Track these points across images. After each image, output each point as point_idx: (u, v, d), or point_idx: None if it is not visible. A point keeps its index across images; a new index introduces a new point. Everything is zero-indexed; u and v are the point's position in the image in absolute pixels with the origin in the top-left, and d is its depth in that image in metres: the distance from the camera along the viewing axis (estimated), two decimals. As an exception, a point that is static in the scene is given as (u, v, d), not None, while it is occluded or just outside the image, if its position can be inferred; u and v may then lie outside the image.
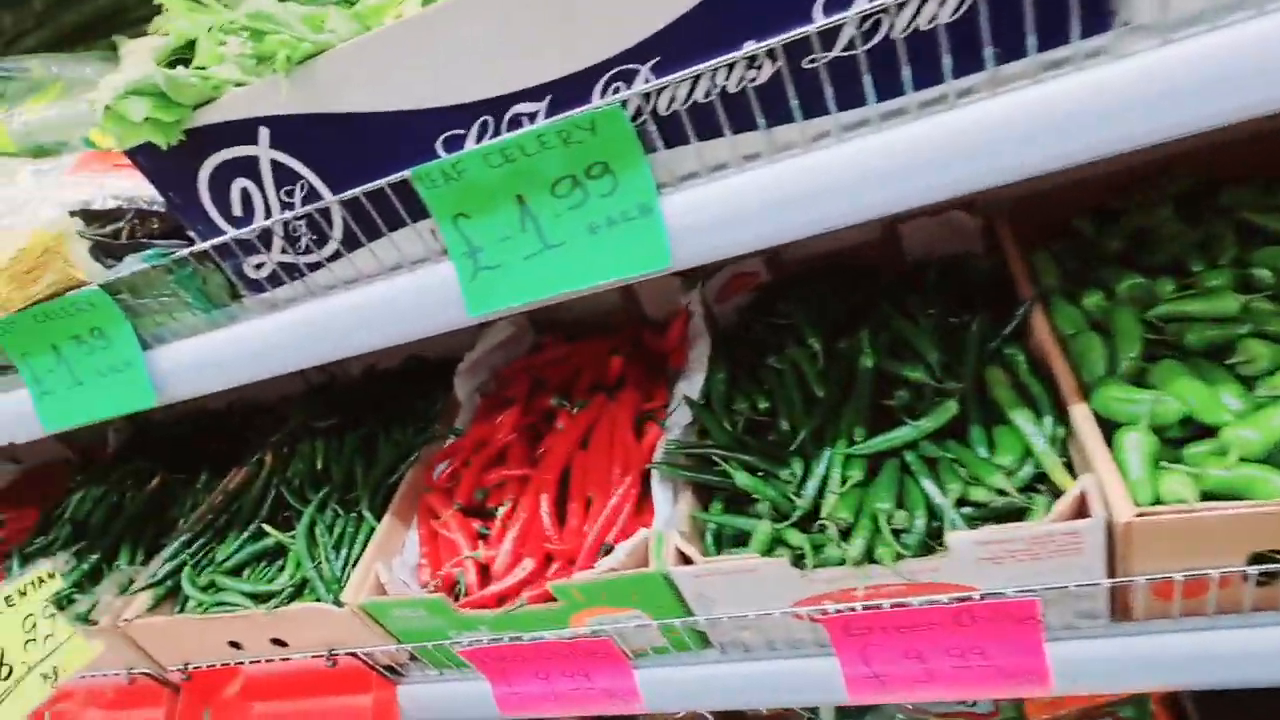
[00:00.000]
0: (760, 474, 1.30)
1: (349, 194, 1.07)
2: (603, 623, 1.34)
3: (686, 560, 1.24)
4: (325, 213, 1.11)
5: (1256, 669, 1.06)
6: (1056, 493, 1.12)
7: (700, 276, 1.79)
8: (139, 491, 1.99)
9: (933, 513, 1.15)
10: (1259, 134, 1.39)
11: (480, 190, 1.02)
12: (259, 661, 1.61)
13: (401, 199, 1.07)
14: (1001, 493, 1.11)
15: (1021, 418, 1.17)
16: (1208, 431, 1.07)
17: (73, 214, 1.19)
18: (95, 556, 1.78)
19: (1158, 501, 1.01)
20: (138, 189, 1.19)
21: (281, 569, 1.62)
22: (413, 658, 1.55)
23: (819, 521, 1.19)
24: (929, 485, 1.17)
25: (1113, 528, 1.01)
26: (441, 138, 1.03)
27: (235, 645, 1.61)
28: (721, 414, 1.46)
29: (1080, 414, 1.13)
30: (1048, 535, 1.04)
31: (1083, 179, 1.55)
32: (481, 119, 1.00)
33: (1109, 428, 1.11)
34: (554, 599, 1.35)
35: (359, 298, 1.17)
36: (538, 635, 1.38)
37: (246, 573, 1.64)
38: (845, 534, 1.16)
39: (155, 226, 1.19)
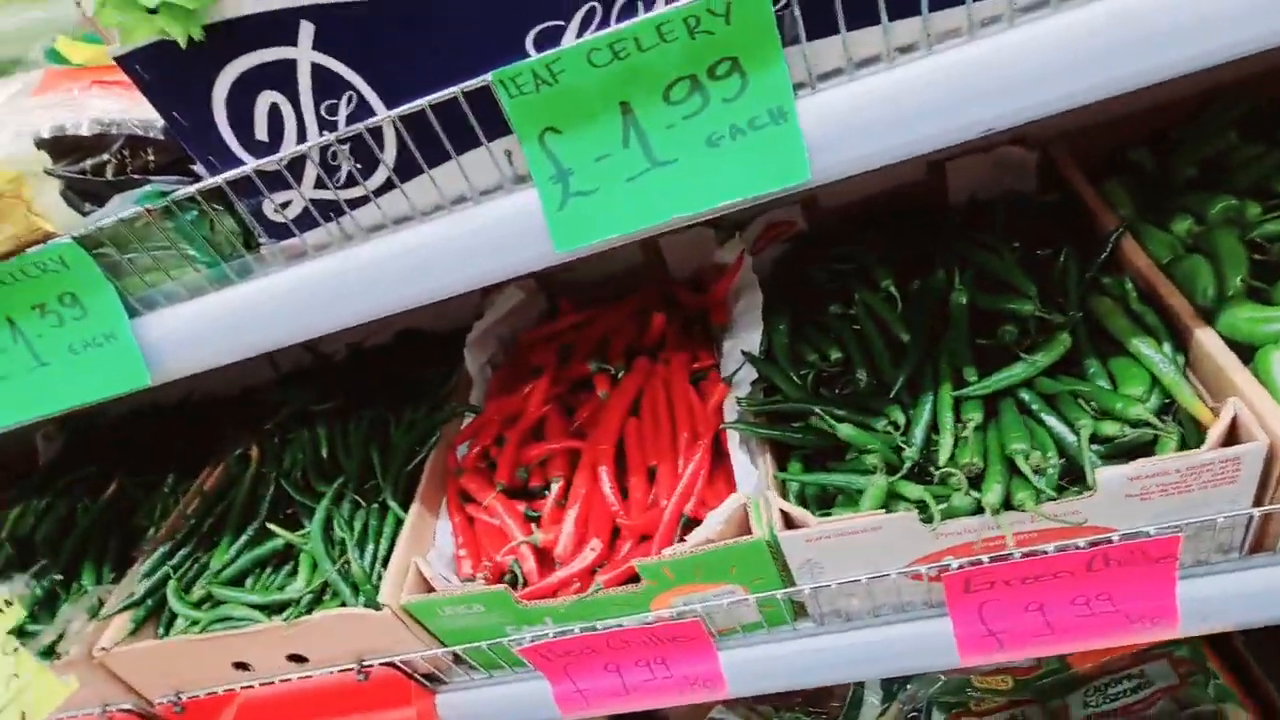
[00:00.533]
0: (857, 426, 1.18)
1: (412, 105, 0.89)
2: (689, 602, 1.21)
3: (791, 525, 1.11)
4: (377, 133, 0.93)
5: None
6: (1186, 423, 1.05)
7: (733, 227, 1.67)
8: (92, 501, 1.71)
9: (1062, 452, 1.07)
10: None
11: (577, 98, 0.86)
12: (270, 683, 1.39)
13: (476, 111, 0.89)
14: (1139, 424, 1.03)
15: (1145, 346, 1.10)
16: (1345, 347, 1.02)
17: (40, 144, 0.96)
18: (50, 579, 1.51)
19: (1316, 421, 0.95)
20: (128, 111, 0.97)
21: (292, 574, 1.41)
22: (457, 660, 1.37)
23: (940, 470, 1.09)
24: (1054, 422, 1.08)
25: (1275, 451, 0.95)
26: (534, 31, 0.86)
27: (242, 666, 1.39)
28: (788, 368, 1.34)
29: (1206, 338, 1.07)
30: (1205, 465, 0.97)
31: (1124, 114, 1.52)
32: (588, 5, 0.84)
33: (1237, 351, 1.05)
34: (633, 581, 1.21)
35: (412, 239, 0.98)
36: (614, 623, 1.23)
37: (249, 582, 1.41)
38: (972, 482, 1.07)
39: (150, 159, 0.97)
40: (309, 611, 1.32)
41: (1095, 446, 1.07)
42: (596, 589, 1.20)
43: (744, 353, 1.39)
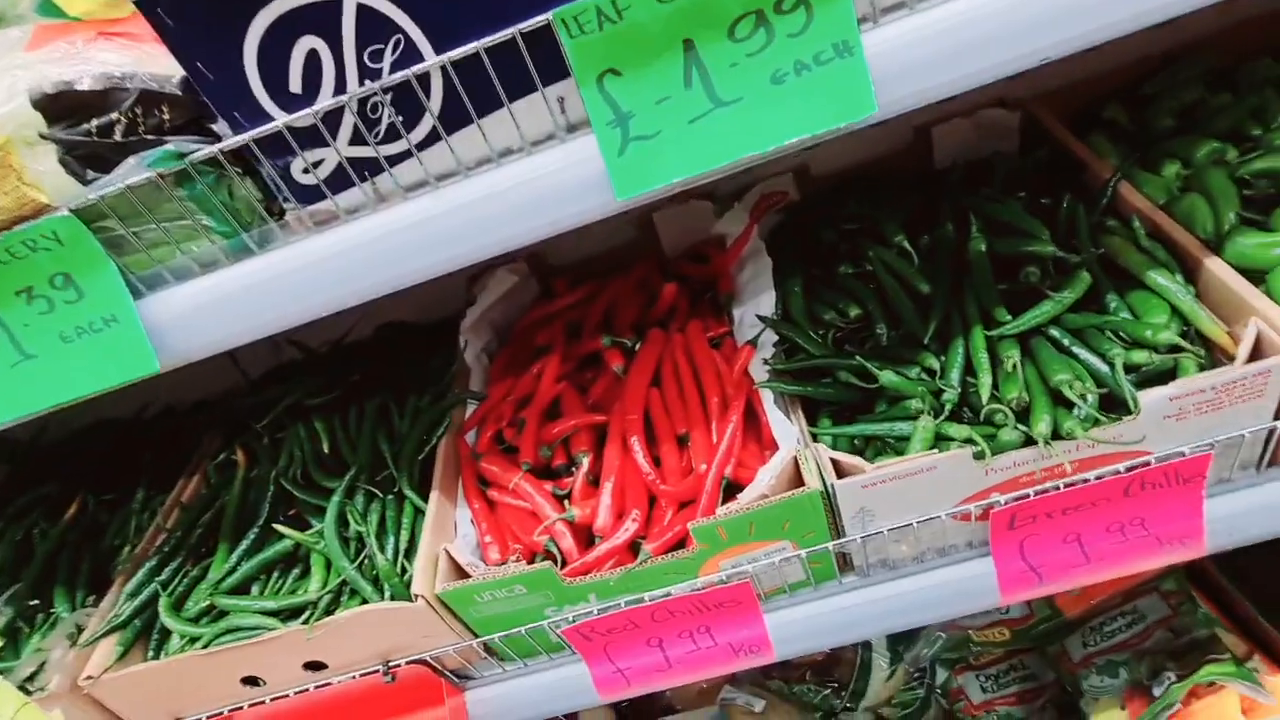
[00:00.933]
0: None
1: (466, 49, 0.84)
2: (737, 565, 1.19)
3: (843, 474, 1.11)
4: (423, 80, 0.88)
5: None
6: (1203, 347, 1.11)
7: (729, 198, 1.67)
8: (51, 524, 1.56)
9: (1097, 382, 1.11)
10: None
11: (640, 37, 0.84)
12: (285, 695, 1.29)
13: (533, 53, 0.86)
14: (1169, 349, 1.08)
15: (1160, 278, 1.15)
16: (1342, 267, 1.10)
17: (38, 104, 0.86)
18: (20, 604, 1.36)
19: (1330, 333, 1.02)
20: (140, 64, 0.88)
21: (301, 578, 1.31)
22: (489, 651, 1.31)
23: (985, 408, 1.11)
24: (1086, 354, 1.12)
25: (1298, 362, 1.01)
26: (596, -34, 0.83)
27: (252, 682, 1.28)
28: (808, 328, 1.35)
29: (1216, 267, 1.13)
30: (1237, 380, 1.02)
31: (1091, 76, 1.60)
32: (654, -61, 0.82)
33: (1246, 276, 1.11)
34: (677, 548, 1.18)
35: (458, 195, 0.94)
36: (661, 593, 1.20)
37: (255, 589, 1.31)
38: (1018, 417, 1.09)
39: (166, 117, 0.89)
40: (327, 614, 1.23)
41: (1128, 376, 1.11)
42: (646, 557, 1.16)
43: (760, 317, 1.39)
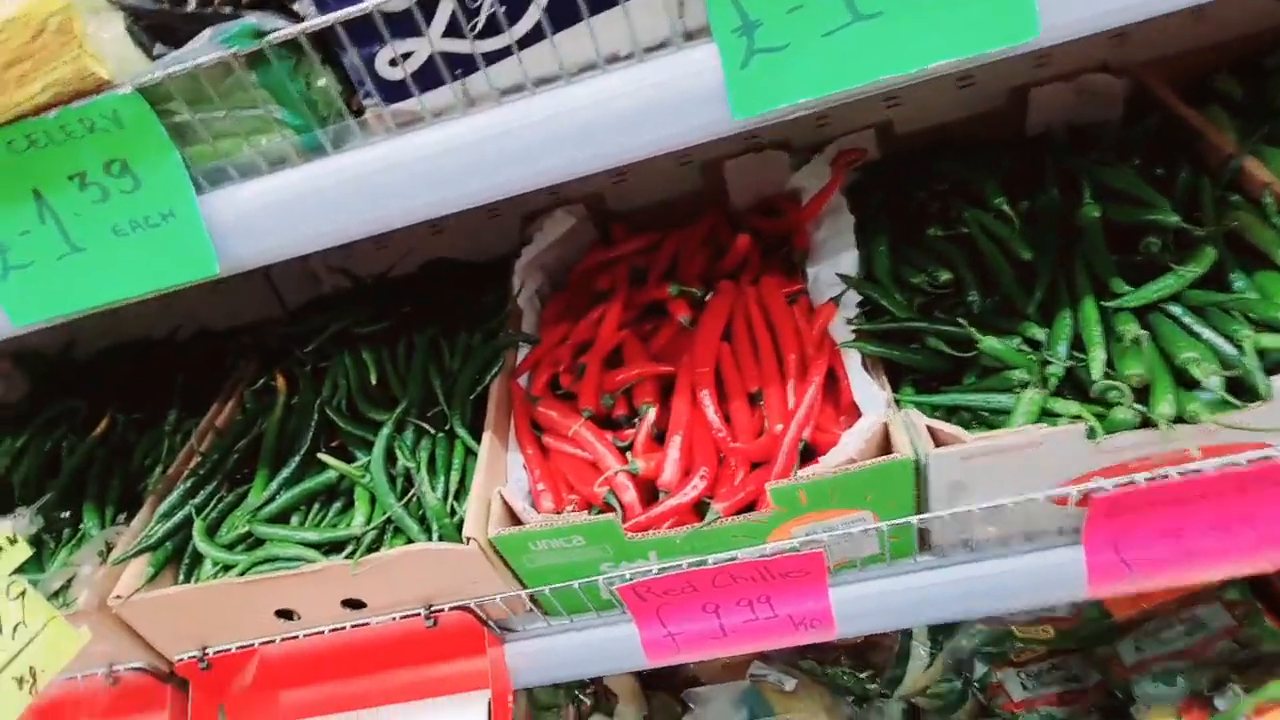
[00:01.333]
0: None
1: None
2: (810, 533, 1.11)
3: (939, 444, 1.03)
4: (535, -33, 0.79)
5: None
6: (1340, 337, 1.02)
7: (807, 151, 1.58)
8: (79, 439, 1.50)
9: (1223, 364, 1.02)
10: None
11: (782, -69, 0.75)
12: (319, 632, 1.24)
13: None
14: (1308, 335, 0.99)
15: (1297, 258, 1.06)
16: None
17: (110, -37, 0.78)
18: (55, 515, 1.30)
19: None
20: (225, -75, 0.79)
21: (342, 512, 1.25)
22: (534, 603, 1.25)
23: (1098, 384, 1.02)
24: (1211, 335, 1.03)
25: None
26: None
27: (286, 615, 1.23)
28: (893, 290, 1.26)
29: (1361, 250, 1.04)
30: (1388, 371, 0.93)
31: (1197, 47, 1.50)
32: None
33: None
34: (746, 511, 1.11)
35: (557, 103, 0.85)
36: (726, 557, 1.13)
37: (295, 520, 1.25)
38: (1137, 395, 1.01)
39: (248, -11, 0.81)
40: (370, 552, 1.17)
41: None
42: (715, 516, 1.09)
43: (843, 276, 1.31)
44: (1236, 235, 1.13)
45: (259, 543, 1.23)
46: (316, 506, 1.26)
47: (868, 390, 1.14)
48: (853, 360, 1.18)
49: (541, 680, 1.31)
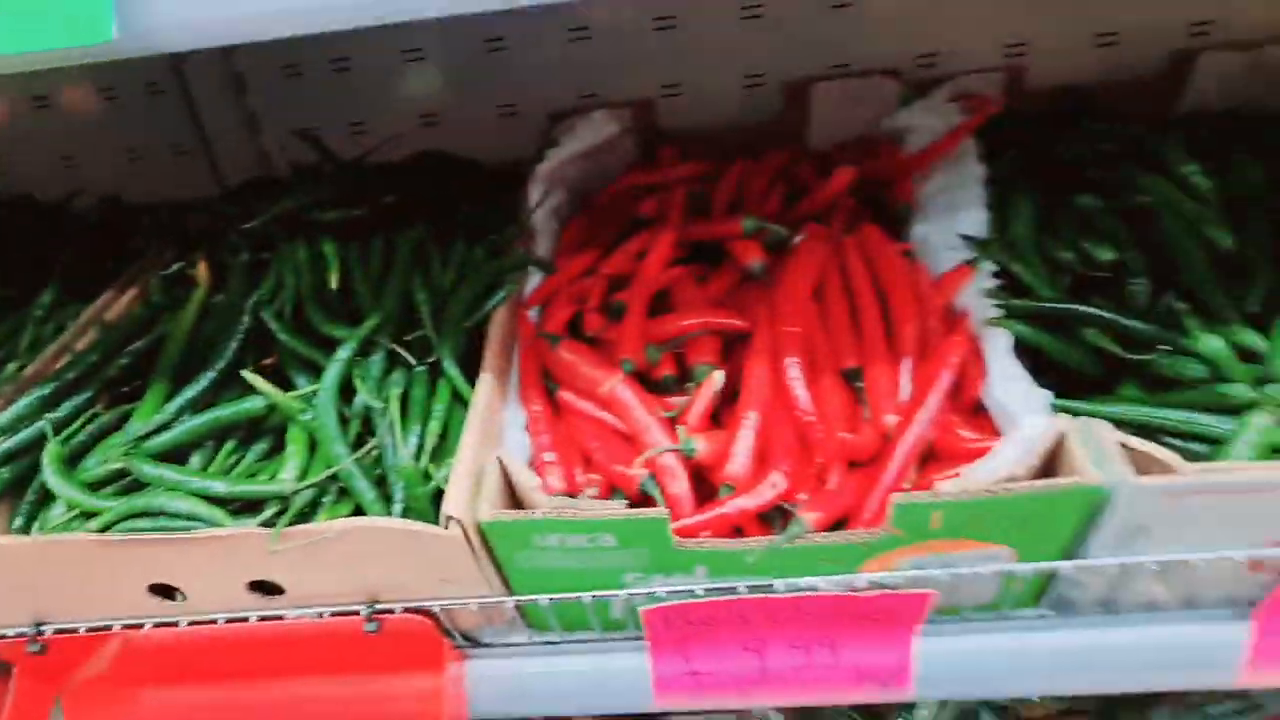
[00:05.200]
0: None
1: None
2: (923, 565, 0.82)
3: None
4: None
5: None
6: None
7: (918, 87, 1.27)
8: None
9: None
10: None
11: None
12: (212, 621, 0.88)
13: None
14: None
15: None
16: None
17: None
18: None
19: None
20: None
21: (268, 456, 0.89)
22: (520, 613, 0.92)
23: (1351, 417, 0.75)
24: None
25: None
26: None
27: (164, 592, 0.86)
28: (1036, 263, 0.98)
29: None
30: None
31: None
32: None
33: None
34: (839, 525, 0.81)
35: None
36: (805, 584, 0.82)
37: (195, 460, 0.88)
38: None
39: None
40: (300, 519, 0.82)
41: None
42: (802, 531, 0.78)
43: (965, 237, 1.01)
44: None
45: (138, 486, 0.86)
46: (230, 445, 0.89)
47: (1018, 388, 0.84)
48: (995, 344, 0.88)
49: (507, 713, 0.98)
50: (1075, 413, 0.83)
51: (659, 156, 1.30)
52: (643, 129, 1.34)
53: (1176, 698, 1.57)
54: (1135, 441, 0.75)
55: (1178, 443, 0.81)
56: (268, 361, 0.96)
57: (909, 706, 1.59)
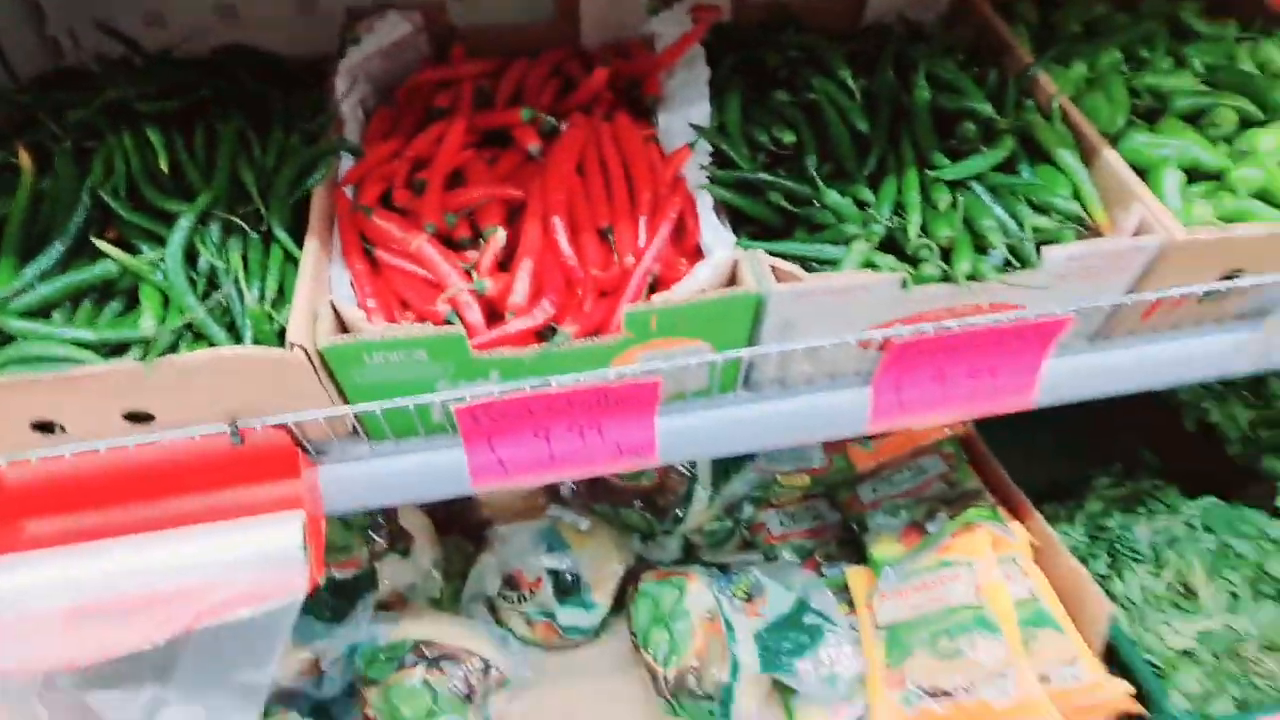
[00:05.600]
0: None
1: None
2: (652, 359, 1.16)
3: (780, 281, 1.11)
4: None
5: (1197, 370, 1.35)
6: (1085, 226, 1.25)
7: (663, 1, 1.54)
8: None
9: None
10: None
11: None
12: (92, 451, 1.07)
13: None
14: (1069, 218, 1.20)
15: (1069, 157, 1.26)
16: (1197, 174, 1.28)
17: None
18: None
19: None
20: None
21: (123, 314, 1.07)
22: (359, 424, 1.18)
23: (913, 243, 1.16)
24: (1001, 212, 1.21)
25: (1164, 246, 1.17)
26: None
27: (45, 428, 1.04)
28: (740, 144, 1.31)
29: (1112, 158, 1.26)
30: (1118, 251, 1.16)
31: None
32: None
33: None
34: (591, 337, 1.13)
35: None
36: (570, 380, 1.14)
37: (57, 318, 1.04)
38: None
39: None
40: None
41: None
42: (565, 338, 1.09)
43: (695, 126, 1.33)
44: (1026, 133, 1.32)
45: (7, 340, 1.01)
46: (87, 306, 1.06)
47: (717, 233, 1.18)
48: (704, 204, 1.22)
49: (358, 506, 1.25)
50: (751, 248, 1.19)
51: (451, 55, 1.50)
52: (436, 28, 1.52)
53: (870, 475, 2.13)
54: (780, 263, 1.12)
55: (816, 266, 1.20)
56: (110, 236, 1.11)
57: (687, 496, 2.03)
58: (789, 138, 1.31)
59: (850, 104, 1.31)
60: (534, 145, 1.30)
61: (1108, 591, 1.82)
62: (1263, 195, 1.23)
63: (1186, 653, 1.75)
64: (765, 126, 1.33)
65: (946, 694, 1.65)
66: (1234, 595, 1.83)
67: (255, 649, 1.08)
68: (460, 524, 2.11)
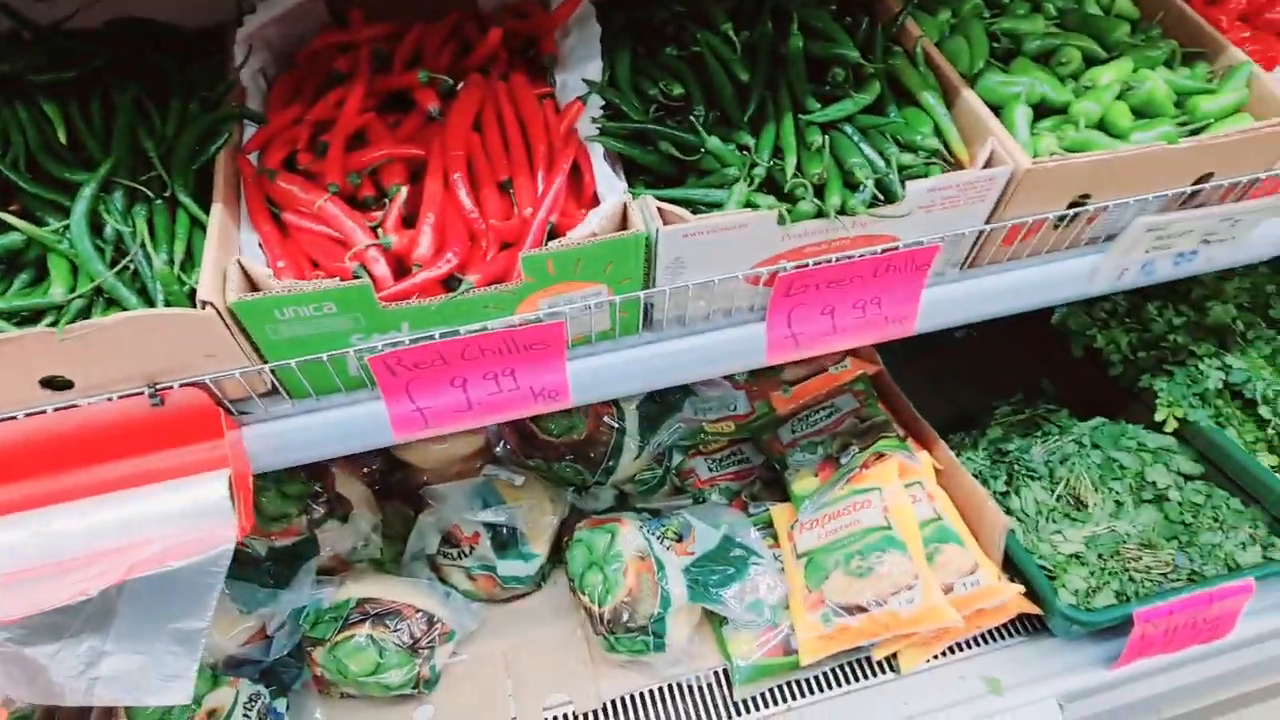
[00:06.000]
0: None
1: None
2: (555, 305, 1.24)
3: (668, 223, 1.20)
4: None
5: (1058, 292, 1.48)
6: (948, 160, 1.36)
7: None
8: None
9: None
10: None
11: None
12: (9, 418, 1.10)
13: None
14: (932, 154, 1.31)
15: (931, 98, 1.37)
16: (1049, 109, 1.40)
17: None
18: None
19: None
20: None
21: (32, 285, 1.09)
22: (276, 383, 1.23)
23: (790, 182, 1.25)
24: (869, 150, 1.31)
25: (1015, 175, 1.29)
26: None
27: (-38, 398, 1.07)
28: (632, 97, 1.39)
29: (970, 96, 1.38)
30: (973, 181, 1.28)
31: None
32: None
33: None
34: (494, 284, 1.20)
35: None
36: (478, 327, 1.21)
37: (-36, 290, 1.07)
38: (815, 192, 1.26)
39: None
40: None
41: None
42: (469, 286, 1.16)
43: (587, 81, 1.39)
44: (894, 77, 1.42)
45: (-85, 316, 1.04)
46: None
47: (609, 182, 1.26)
48: (596, 154, 1.29)
49: (284, 462, 1.30)
50: (642, 195, 1.27)
51: (349, 20, 1.53)
52: (329, -3, 1.55)
53: (790, 417, 2.25)
54: (668, 206, 1.20)
55: (704, 209, 1.29)
56: (14, 209, 1.13)
57: (616, 448, 2.12)
58: (677, 90, 1.39)
59: (732, 55, 1.40)
60: (433, 106, 1.35)
61: (1006, 508, 1.98)
62: (1103, 126, 1.36)
63: (1075, 556, 1.92)
64: (655, 80, 1.41)
65: (861, 609, 1.79)
66: (1118, 503, 2.02)
67: (191, 598, 1.14)
68: (400, 493, 2.17)
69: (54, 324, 1.04)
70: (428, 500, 1.99)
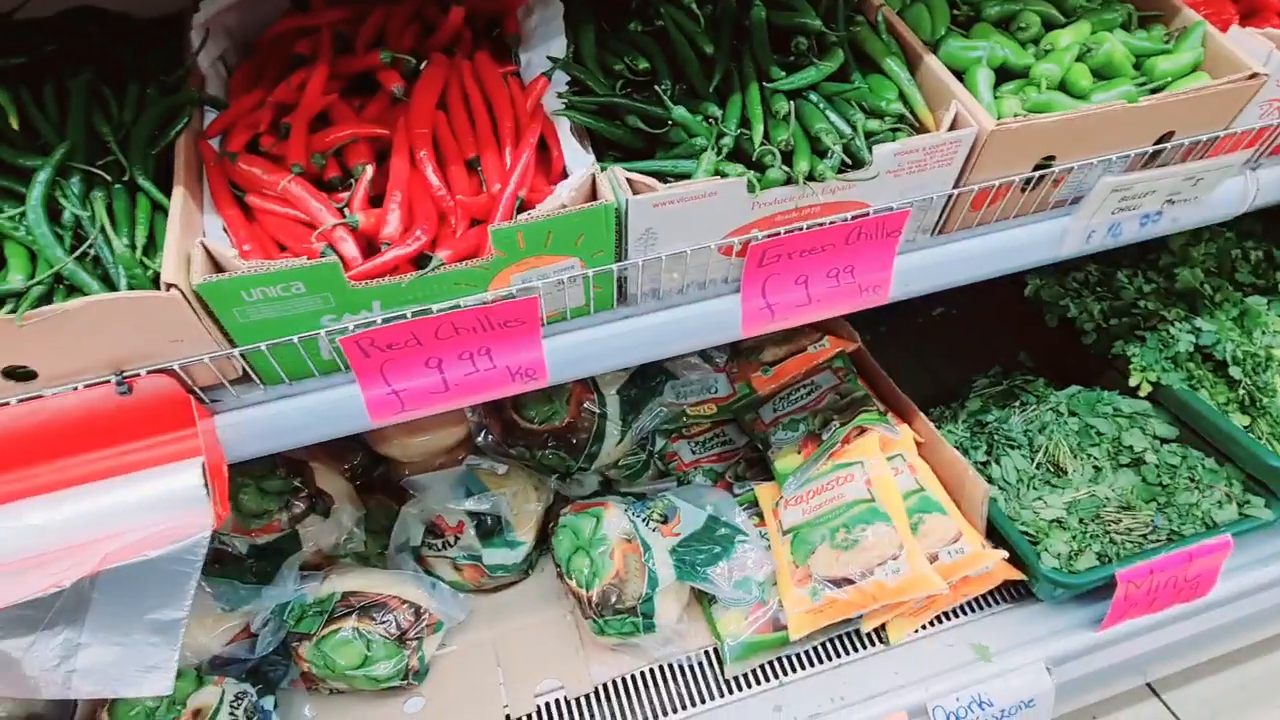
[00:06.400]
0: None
1: None
2: (528, 279, 1.23)
3: (637, 193, 1.20)
4: None
5: (1028, 256, 1.50)
6: (913, 125, 1.37)
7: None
8: None
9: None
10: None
11: None
12: (-27, 411, 1.08)
13: None
14: (897, 119, 1.32)
15: (895, 64, 1.38)
16: (1011, 74, 1.41)
17: None
18: None
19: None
20: None
21: (-7, 272, 1.07)
22: (248, 370, 1.21)
23: (758, 150, 1.26)
24: (835, 117, 1.32)
25: (979, 137, 1.30)
26: None
27: (-78, 391, 1.05)
28: (597, 73, 1.39)
29: (932, 62, 1.39)
30: (939, 145, 1.28)
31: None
32: None
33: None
34: (465, 260, 1.19)
35: None
36: (450, 304, 1.20)
37: (-80, 281, 1.04)
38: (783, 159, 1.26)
39: None
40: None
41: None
42: (439, 263, 1.15)
43: (552, 58, 1.39)
44: (857, 45, 1.43)
45: None
46: (-48, 266, 1.06)
47: (577, 155, 1.26)
48: (564, 129, 1.29)
49: (259, 449, 1.29)
50: (625, 168, 1.27)
51: (310, 3, 1.52)
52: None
53: (771, 397, 2.26)
54: (635, 175, 1.20)
55: (672, 179, 1.29)
56: (-34, 199, 1.11)
57: (599, 434, 2.12)
58: (643, 64, 1.39)
59: (696, 28, 1.40)
60: (397, 86, 1.34)
61: (987, 477, 1.99)
62: (1064, 88, 1.38)
63: (1056, 521, 1.93)
64: (620, 55, 1.40)
65: (848, 581, 1.80)
66: (1096, 468, 2.04)
67: (168, 588, 1.12)
68: (383, 488, 2.15)
69: (14, 311, 1.02)
70: (410, 491, 1.97)
